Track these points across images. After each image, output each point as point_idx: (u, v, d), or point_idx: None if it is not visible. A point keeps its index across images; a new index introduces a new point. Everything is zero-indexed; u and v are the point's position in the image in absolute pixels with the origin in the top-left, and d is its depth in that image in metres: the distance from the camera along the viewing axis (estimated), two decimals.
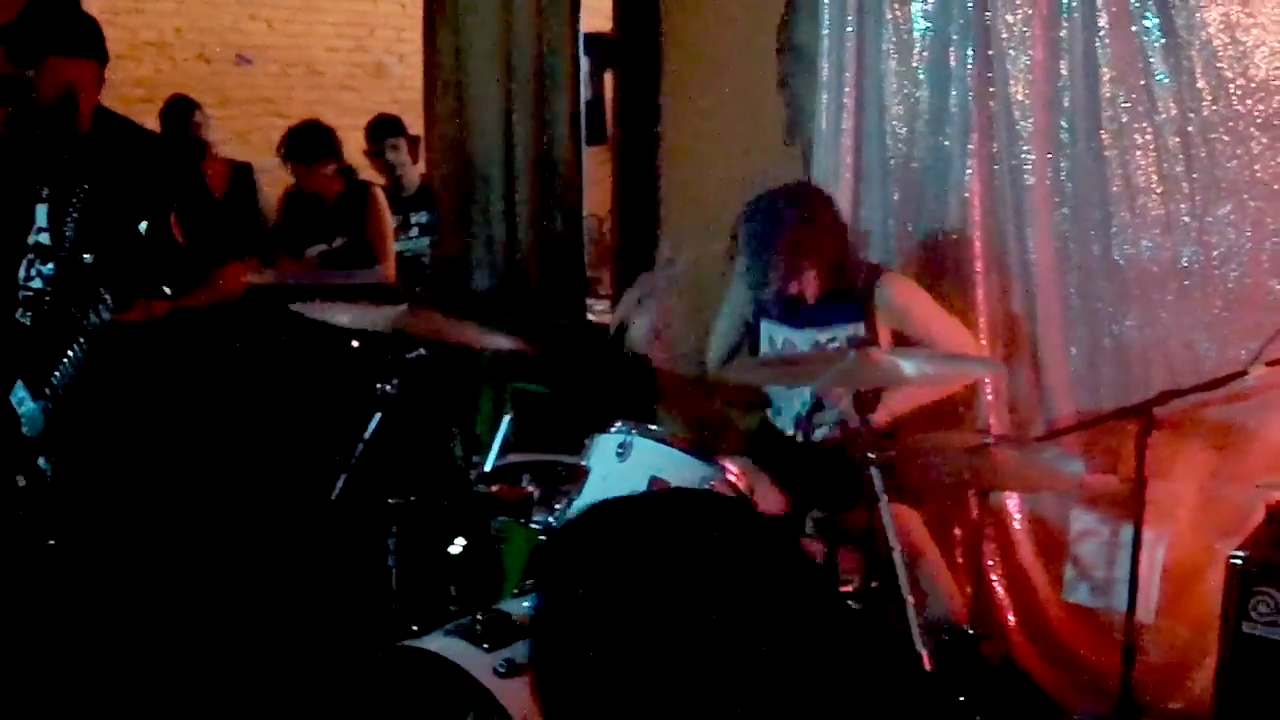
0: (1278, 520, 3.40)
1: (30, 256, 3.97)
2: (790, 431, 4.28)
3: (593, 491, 3.42)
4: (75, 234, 3.85)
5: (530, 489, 3.56)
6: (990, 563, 4.47)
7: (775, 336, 4.28)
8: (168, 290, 3.65)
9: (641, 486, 3.36)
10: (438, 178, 6.03)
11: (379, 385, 4.11)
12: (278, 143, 6.42)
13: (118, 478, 3.97)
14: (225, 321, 5.56)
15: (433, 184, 6.60)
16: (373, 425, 4.15)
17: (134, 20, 9.12)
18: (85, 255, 3.69)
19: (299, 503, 4.70)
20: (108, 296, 3.63)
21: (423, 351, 4.23)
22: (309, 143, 6.34)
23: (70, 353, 3.78)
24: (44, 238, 3.95)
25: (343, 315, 4.23)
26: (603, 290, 6.25)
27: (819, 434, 4.19)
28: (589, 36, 5.67)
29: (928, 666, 3.09)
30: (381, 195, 6.47)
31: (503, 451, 3.90)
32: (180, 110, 7.25)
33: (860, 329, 4.09)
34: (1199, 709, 3.87)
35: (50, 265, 3.93)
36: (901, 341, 4.14)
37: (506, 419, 3.97)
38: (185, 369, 4.10)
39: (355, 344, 5.45)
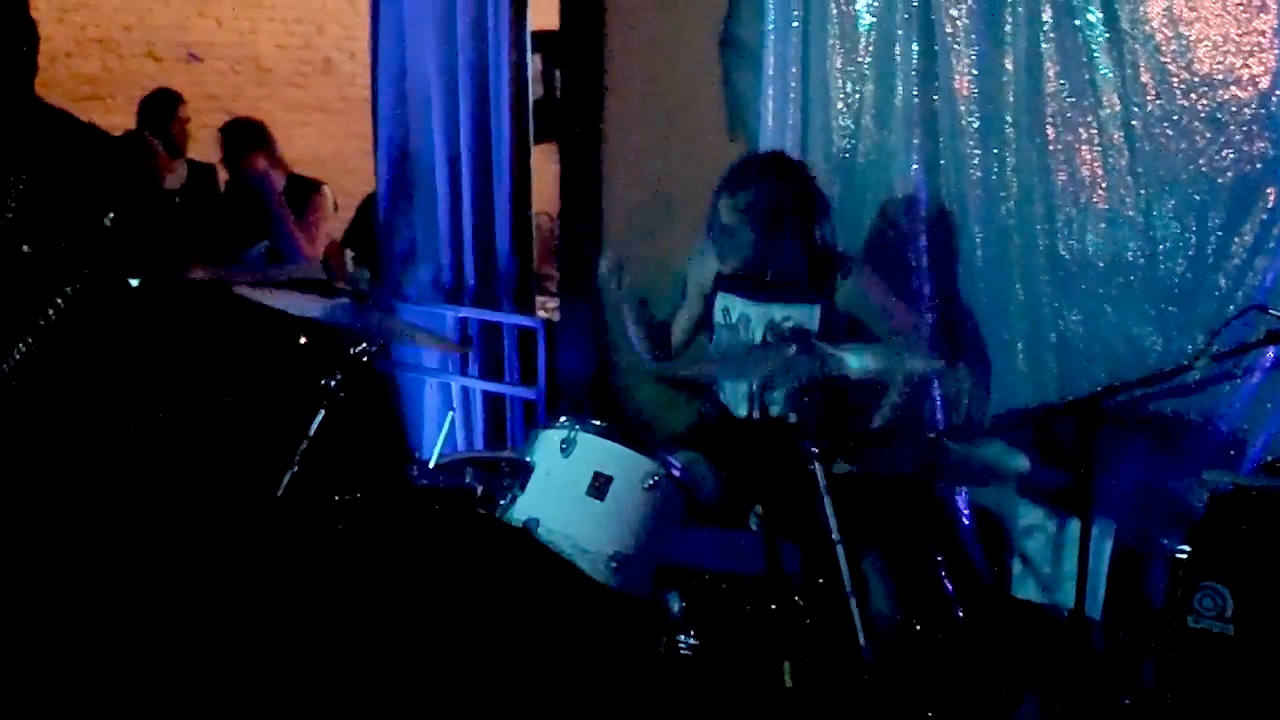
0: (1221, 513, 3.40)
1: None
2: (742, 410, 4.23)
3: (537, 487, 3.40)
4: (13, 225, 3.77)
5: (472, 484, 3.53)
6: (938, 557, 4.47)
7: (731, 309, 4.24)
8: (134, 283, 3.60)
9: (585, 481, 3.35)
10: (381, 174, 5.98)
11: (323, 380, 4.08)
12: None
13: (63, 470, 3.91)
14: (172, 317, 5.52)
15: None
16: (317, 421, 4.12)
17: (81, 17, 9.03)
18: (24, 246, 3.63)
19: (245, 499, 4.65)
20: (70, 291, 3.57)
21: (369, 346, 4.17)
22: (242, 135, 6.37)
23: (21, 346, 3.71)
24: None
25: (287, 302, 4.22)
26: (552, 287, 6.21)
27: (774, 410, 4.17)
28: (538, 34, 5.64)
29: (870, 660, 3.07)
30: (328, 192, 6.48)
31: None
32: (163, 103, 7.10)
33: (816, 312, 4.08)
34: (1147, 704, 3.88)
35: None
36: (855, 324, 4.16)
37: (449, 415, 3.96)
38: (135, 366, 4.04)
39: (303, 340, 5.40)
